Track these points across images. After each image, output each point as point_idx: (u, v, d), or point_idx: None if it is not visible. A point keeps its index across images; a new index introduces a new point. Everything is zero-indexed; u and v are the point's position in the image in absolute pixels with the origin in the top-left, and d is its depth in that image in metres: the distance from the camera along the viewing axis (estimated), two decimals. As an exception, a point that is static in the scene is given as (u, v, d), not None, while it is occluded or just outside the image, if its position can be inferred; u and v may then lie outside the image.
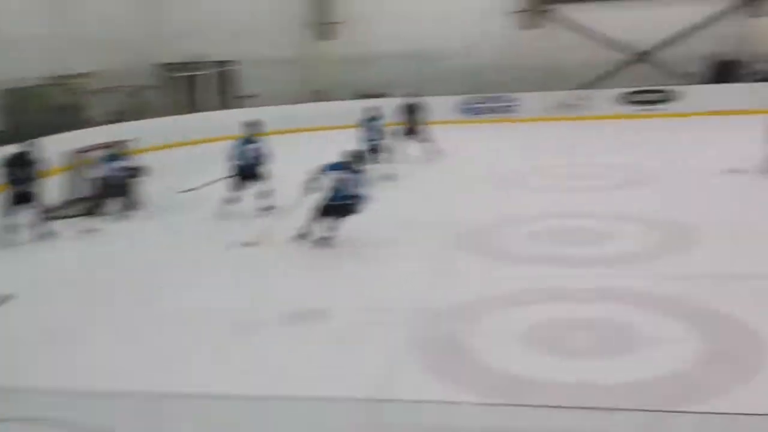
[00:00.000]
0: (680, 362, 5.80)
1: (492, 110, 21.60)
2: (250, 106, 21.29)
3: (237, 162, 11.09)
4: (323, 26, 23.71)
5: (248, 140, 11.13)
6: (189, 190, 12.21)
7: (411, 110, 15.33)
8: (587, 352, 6.18)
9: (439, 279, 8.18)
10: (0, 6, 17.60)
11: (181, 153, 17.93)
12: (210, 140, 17.55)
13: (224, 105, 22.57)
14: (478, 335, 6.54)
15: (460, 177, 13.44)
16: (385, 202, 11.62)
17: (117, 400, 5.47)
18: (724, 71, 20.44)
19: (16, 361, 6.48)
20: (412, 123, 15.22)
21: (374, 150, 13.37)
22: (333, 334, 6.73)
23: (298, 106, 21.30)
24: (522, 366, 5.83)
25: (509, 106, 21.53)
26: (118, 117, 19.46)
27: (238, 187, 11.12)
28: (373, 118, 13.91)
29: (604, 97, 20.82)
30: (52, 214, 11.03)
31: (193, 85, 22.30)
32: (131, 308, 7.74)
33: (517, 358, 6.00)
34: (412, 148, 15.00)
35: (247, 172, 11.07)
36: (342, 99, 21.99)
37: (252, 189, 11.22)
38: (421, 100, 15.44)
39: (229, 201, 11.16)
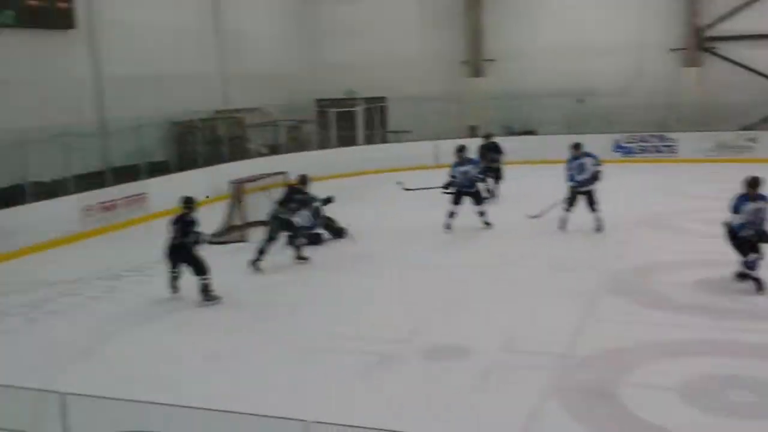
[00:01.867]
0: None
1: (648, 150, 20.84)
2: (404, 141, 21.82)
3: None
4: (475, 63, 23.89)
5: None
6: (535, 217, 12.64)
7: (492, 150, 15.39)
8: (748, 412, 5.80)
9: (590, 323, 7.96)
10: (171, 47, 19.01)
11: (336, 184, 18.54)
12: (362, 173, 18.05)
13: (377, 140, 23.15)
14: (629, 385, 6.29)
15: (613, 218, 13.02)
16: (536, 242, 11.57)
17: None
18: None
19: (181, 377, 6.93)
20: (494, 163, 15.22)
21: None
22: (477, 374, 6.69)
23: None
24: (676, 422, 5.56)
25: (667, 146, 20.70)
26: (276, 150, 20.50)
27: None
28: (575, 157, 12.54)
29: (772, 139, 19.59)
30: (213, 240, 11.68)
31: (349, 120, 23.07)
32: (277, 336, 8.06)
33: (671, 413, 5.72)
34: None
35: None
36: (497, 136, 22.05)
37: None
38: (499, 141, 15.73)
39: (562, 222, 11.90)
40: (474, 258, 10.50)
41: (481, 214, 12.54)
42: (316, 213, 11.33)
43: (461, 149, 12.75)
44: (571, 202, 12.05)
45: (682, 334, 7.35)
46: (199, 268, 9.30)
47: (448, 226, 12.38)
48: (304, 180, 11.18)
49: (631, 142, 21.09)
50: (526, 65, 22.62)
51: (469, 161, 12.74)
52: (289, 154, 19.85)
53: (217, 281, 9.33)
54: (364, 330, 8.03)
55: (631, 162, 20.25)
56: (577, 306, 8.45)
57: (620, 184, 14.23)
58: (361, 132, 23.21)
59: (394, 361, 7.11)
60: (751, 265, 8.55)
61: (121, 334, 8.37)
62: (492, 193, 14.98)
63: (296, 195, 10.99)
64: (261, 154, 19.68)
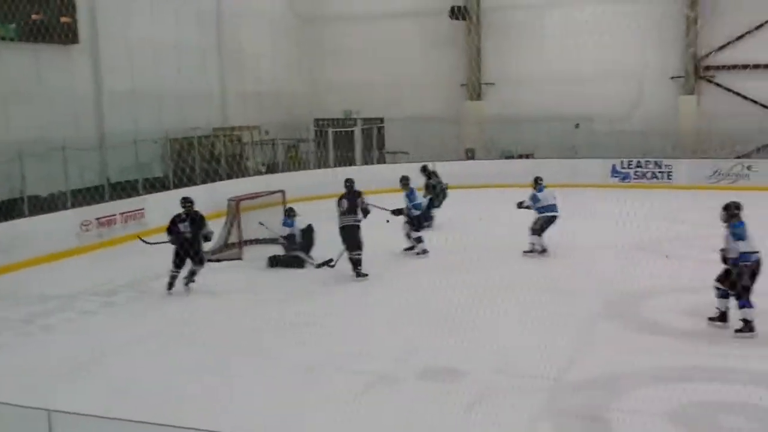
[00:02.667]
0: None
1: (645, 176, 20.96)
2: (402, 162, 21.90)
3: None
4: (474, 86, 24.06)
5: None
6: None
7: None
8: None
9: (584, 348, 7.98)
10: (172, 64, 19.15)
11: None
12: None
13: (375, 160, 23.24)
14: (621, 410, 6.30)
15: (608, 243, 13.07)
16: (533, 265, 11.63)
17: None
18: None
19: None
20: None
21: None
22: (470, 396, 6.70)
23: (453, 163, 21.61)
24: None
25: (663, 172, 20.81)
26: (273, 168, 20.58)
27: None
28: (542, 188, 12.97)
29: (767, 168, 19.69)
30: (210, 257, 11.75)
31: (347, 140, 23.17)
32: (275, 353, 8.06)
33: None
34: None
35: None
36: (490, 159, 22.28)
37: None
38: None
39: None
40: (468, 280, 10.51)
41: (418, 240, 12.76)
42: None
43: (406, 179, 13.39)
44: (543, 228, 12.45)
45: (674, 360, 7.37)
46: (201, 260, 10.48)
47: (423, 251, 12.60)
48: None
49: (628, 168, 21.20)
50: (524, 89, 22.77)
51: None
52: (286, 173, 19.92)
53: (211, 300, 9.34)
54: (361, 350, 8.03)
55: (627, 187, 20.32)
56: (571, 330, 8.47)
57: (616, 210, 14.25)
58: (359, 152, 23.31)
59: (389, 381, 7.12)
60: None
61: (116, 350, 8.35)
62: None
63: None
64: (259, 173, 19.76)
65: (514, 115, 22.42)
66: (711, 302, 8.94)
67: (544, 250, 12.36)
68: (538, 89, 22.41)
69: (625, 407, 6.41)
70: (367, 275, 11.04)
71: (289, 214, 12.69)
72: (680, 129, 21.46)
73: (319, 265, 11.85)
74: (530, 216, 12.56)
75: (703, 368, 7.17)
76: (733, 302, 8.25)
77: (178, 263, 10.42)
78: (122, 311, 9.96)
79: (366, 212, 11.25)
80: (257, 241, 13.49)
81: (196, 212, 10.55)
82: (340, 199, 11.25)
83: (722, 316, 8.40)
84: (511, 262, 11.84)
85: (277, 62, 23.60)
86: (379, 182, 20.22)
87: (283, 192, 14.32)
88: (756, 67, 20.86)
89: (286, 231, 12.52)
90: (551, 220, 12.39)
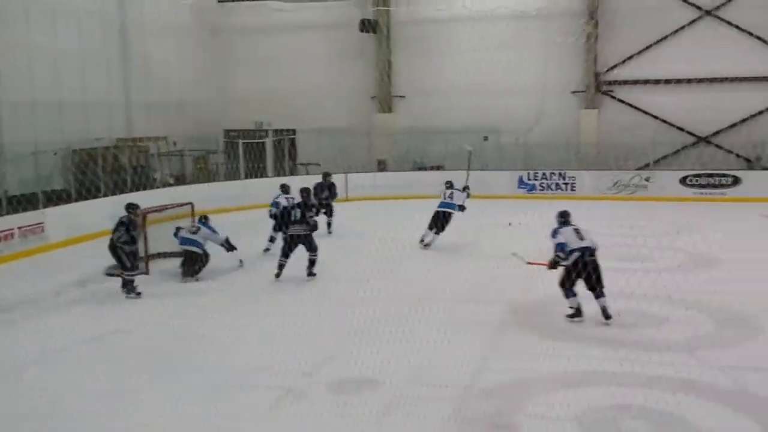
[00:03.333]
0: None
1: (550, 187, 21.63)
2: (314, 174, 21.82)
3: None
4: (384, 99, 24.28)
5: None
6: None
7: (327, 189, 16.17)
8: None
9: (495, 355, 8.14)
10: (75, 73, 18.57)
11: (238, 217, 18.34)
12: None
13: (287, 172, 23.10)
14: (529, 416, 6.46)
15: (518, 251, 13.40)
16: (441, 275, 11.78)
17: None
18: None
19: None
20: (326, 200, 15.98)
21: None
22: (381, 407, 6.72)
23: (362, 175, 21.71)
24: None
25: (567, 183, 21.53)
26: (181, 180, 20.17)
27: None
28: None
29: (664, 179, 20.65)
30: (113, 272, 11.44)
31: (258, 151, 22.95)
32: (184, 370, 7.87)
33: (568, 442, 5.90)
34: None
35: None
36: (402, 170, 22.55)
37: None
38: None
39: None
40: (381, 290, 10.56)
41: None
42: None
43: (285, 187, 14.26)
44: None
45: (580, 366, 7.59)
46: (123, 266, 10.70)
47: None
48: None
49: (534, 180, 21.83)
50: (434, 102, 23.18)
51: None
52: (195, 185, 19.56)
53: (120, 314, 9.03)
54: (271, 363, 7.92)
55: (533, 198, 20.93)
56: (483, 338, 8.62)
57: (524, 220, 14.63)
58: (270, 163, 23.14)
59: (299, 395, 7.06)
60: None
61: (16, 371, 7.97)
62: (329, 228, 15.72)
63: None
64: (167, 184, 19.32)
65: (425, 127, 22.79)
66: (614, 309, 9.30)
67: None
68: (447, 102, 22.84)
69: (532, 413, 6.57)
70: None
71: (206, 220, 12.73)
72: (582, 141, 22.31)
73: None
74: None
75: (603, 372, 7.41)
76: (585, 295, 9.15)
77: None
78: (21, 330, 9.52)
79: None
80: (164, 255, 13.16)
81: (128, 218, 10.92)
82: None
83: (578, 312, 9.24)
84: (421, 273, 11.96)
85: (184, 72, 23.20)
86: (292, 193, 20.15)
87: (191, 204, 14.03)
88: (652, 82, 21.93)
89: (221, 239, 12.56)
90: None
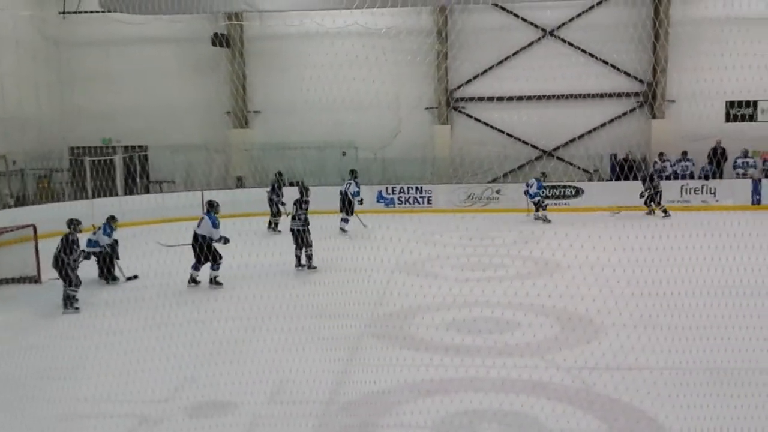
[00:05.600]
0: (586, 452, 5.93)
1: (408, 200, 22.10)
2: (168, 192, 21.22)
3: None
4: (240, 114, 23.93)
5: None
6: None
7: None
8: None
9: (353, 369, 8.16)
10: None
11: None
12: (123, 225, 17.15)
13: (139, 190, 22.28)
14: (389, 426, 6.52)
15: (373, 264, 13.54)
16: (296, 291, 11.71)
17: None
18: (625, 169, 21.62)
19: None
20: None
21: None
22: (241, 429, 6.57)
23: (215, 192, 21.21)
24: (432, 458, 5.83)
25: (423, 197, 22.07)
26: (22, 200, 18.97)
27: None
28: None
29: (513, 191, 21.59)
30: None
31: (106, 169, 21.97)
32: (30, 400, 7.37)
33: (428, 450, 5.99)
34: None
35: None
36: (260, 186, 22.27)
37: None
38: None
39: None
40: (236, 310, 10.37)
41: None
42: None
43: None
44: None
45: (436, 374, 7.76)
46: (70, 281, 10.87)
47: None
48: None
49: (392, 194, 22.22)
50: (292, 117, 23.14)
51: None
52: (38, 205, 18.42)
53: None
54: (124, 391, 7.56)
55: (392, 212, 21.30)
56: (340, 352, 8.62)
57: (382, 233, 14.86)
58: (120, 182, 22.21)
59: (155, 422, 6.77)
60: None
61: None
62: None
63: None
64: (6, 206, 18.11)
65: (283, 143, 22.68)
66: (468, 316, 9.60)
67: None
68: (305, 118, 22.85)
69: (393, 422, 6.64)
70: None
71: (111, 221, 12.74)
72: (437, 156, 22.97)
73: (128, 278, 12.70)
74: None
75: (460, 379, 7.62)
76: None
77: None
78: None
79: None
80: (6, 281, 12.33)
81: (72, 234, 11.14)
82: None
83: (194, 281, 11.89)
84: (275, 289, 11.84)
85: (23, 87, 21.86)
86: (144, 213, 19.46)
87: (34, 226, 13.22)
88: (499, 98, 22.93)
89: (107, 240, 12.42)
90: None
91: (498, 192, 21.79)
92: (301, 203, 13.64)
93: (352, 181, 18.18)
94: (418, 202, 22.10)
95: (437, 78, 23.19)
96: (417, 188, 22.12)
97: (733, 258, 11.31)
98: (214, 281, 12.20)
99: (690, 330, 8.69)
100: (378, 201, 21.98)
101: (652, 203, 19.43)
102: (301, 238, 13.32)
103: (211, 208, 12.29)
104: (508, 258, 14.18)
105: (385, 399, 7.16)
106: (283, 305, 10.69)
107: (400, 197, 22.18)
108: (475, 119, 23.48)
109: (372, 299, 10.95)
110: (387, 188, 22.16)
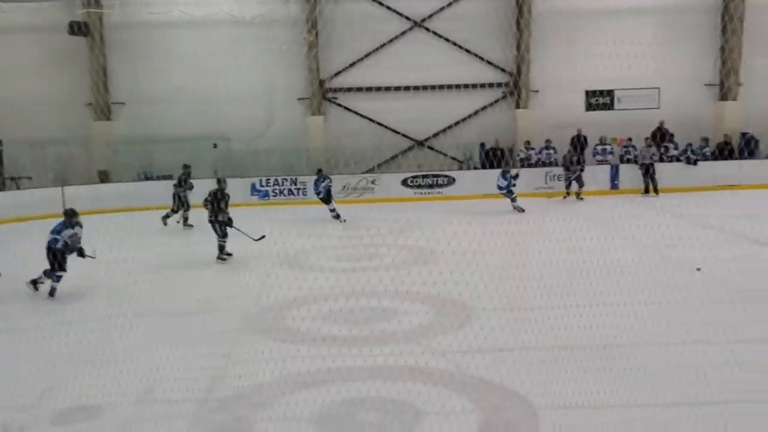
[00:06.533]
0: (463, 432, 6.09)
1: (281, 192, 21.90)
2: (25, 188, 20.06)
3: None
4: (102, 106, 22.89)
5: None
6: None
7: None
8: (375, 431, 6.30)
9: (229, 364, 7.99)
10: None
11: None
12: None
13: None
14: (267, 420, 6.44)
15: (250, 258, 13.37)
16: (164, 288, 11.37)
17: None
18: (493, 157, 22.33)
19: None
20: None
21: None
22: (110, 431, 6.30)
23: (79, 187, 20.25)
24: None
25: (299, 188, 21.94)
26: None
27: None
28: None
29: (388, 181, 21.86)
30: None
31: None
32: None
33: (307, 442, 5.97)
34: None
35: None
36: (127, 180, 21.50)
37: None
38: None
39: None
40: (104, 309, 9.93)
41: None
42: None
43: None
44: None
45: (315, 365, 7.72)
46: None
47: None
48: None
49: (267, 186, 21.96)
50: (159, 109, 22.37)
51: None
52: None
53: None
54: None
55: (267, 205, 21.07)
56: (216, 347, 8.42)
57: (258, 226, 14.65)
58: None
59: (15, 432, 6.38)
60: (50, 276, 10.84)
61: None
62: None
63: None
64: None
65: (150, 135, 21.90)
66: (347, 307, 9.63)
67: None
68: (173, 109, 22.20)
69: (272, 416, 6.56)
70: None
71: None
72: (311, 147, 22.89)
73: None
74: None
75: (339, 370, 7.63)
76: None
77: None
78: None
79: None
80: None
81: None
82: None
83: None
84: (150, 285, 11.42)
85: None
86: (2, 211, 18.33)
87: None
88: (371, 89, 23.15)
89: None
90: None
91: (373, 182, 21.98)
92: (218, 196, 13.42)
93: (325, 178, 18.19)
94: (294, 194, 21.96)
95: (309, 68, 23.07)
96: (292, 180, 21.98)
97: (591, 239, 11.92)
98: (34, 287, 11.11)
99: (555, 309, 9.13)
100: (252, 194, 21.67)
101: (570, 187, 20.20)
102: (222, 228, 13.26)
103: (69, 217, 11.20)
104: (384, 247, 14.35)
105: (262, 393, 7.05)
106: (156, 301, 10.36)
107: (275, 189, 21.97)
108: (348, 110, 23.55)
109: (250, 293, 10.79)
110: (261, 180, 21.88)
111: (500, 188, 18.43)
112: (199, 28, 22.16)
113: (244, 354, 8.36)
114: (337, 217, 17.84)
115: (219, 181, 13.91)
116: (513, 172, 18.47)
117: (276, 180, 21.95)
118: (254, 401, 6.87)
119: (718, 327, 8.34)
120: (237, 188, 20.82)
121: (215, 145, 22.29)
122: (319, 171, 18.51)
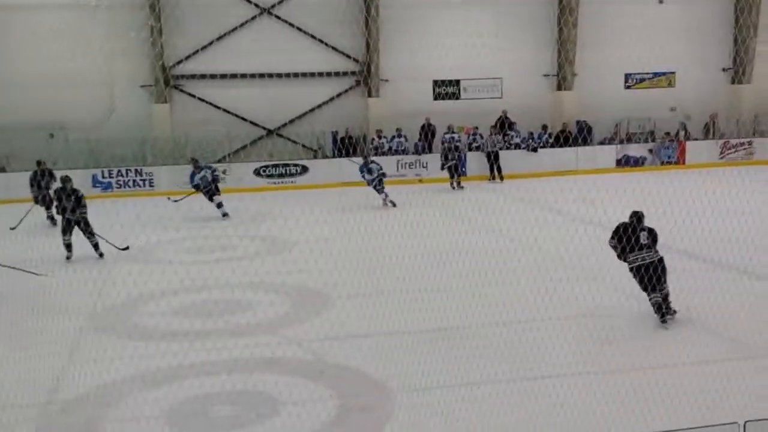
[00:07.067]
0: (324, 418, 6.10)
1: (125, 184, 20.96)
2: None
3: None
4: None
5: None
6: None
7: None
8: (231, 424, 6.19)
9: (74, 365, 7.55)
10: None
11: None
12: None
13: None
14: (117, 420, 6.18)
15: (90, 255, 12.70)
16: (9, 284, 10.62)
17: None
18: (347, 146, 22.43)
19: None
20: None
21: None
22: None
23: None
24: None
25: (144, 179, 21.09)
26: None
27: None
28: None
29: (241, 171, 21.43)
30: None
31: None
32: None
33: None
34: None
35: None
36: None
37: None
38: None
39: None
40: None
41: None
42: None
43: None
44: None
45: (166, 361, 7.46)
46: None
47: None
48: None
49: (110, 177, 20.95)
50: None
51: None
52: None
53: None
54: None
55: (109, 197, 20.00)
56: (59, 347, 7.95)
57: (99, 220, 13.94)
58: None
59: None
60: None
61: None
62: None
63: None
64: None
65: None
66: (199, 300, 9.39)
67: None
68: (4, 96, 20.59)
69: (121, 416, 6.32)
70: None
71: None
72: (157, 137, 21.99)
73: None
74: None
75: (191, 365, 7.41)
76: None
77: None
78: None
79: None
80: None
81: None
82: None
83: None
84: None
85: None
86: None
87: None
88: (219, 76, 22.58)
89: None
90: None
91: (224, 172, 21.40)
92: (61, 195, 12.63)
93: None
94: (139, 185, 21.09)
95: (153, 55, 22.12)
96: (137, 170, 21.09)
97: (442, 224, 12.29)
98: None
99: (410, 294, 9.34)
100: (94, 186, 20.52)
101: (455, 175, 20.39)
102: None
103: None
104: (237, 238, 14.09)
105: (111, 393, 6.75)
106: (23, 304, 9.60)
107: (119, 180, 21.01)
108: (196, 98, 22.84)
109: (95, 290, 10.25)
110: (103, 172, 20.82)
111: (369, 182, 17.81)
112: (33, 11, 20.76)
113: (89, 355, 7.93)
114: (226, 215, 16.61)
115: (63, 180, 13.04)
116: (378, 171, 17.83)
117: (120, 171, 20.97)
118: (102, 401, 6.58)
119: (550, 305, 8.69)
120: (77, 180, 19.64)
121: (52, 135, 20.96)
122: (194, 161, 17.43)
